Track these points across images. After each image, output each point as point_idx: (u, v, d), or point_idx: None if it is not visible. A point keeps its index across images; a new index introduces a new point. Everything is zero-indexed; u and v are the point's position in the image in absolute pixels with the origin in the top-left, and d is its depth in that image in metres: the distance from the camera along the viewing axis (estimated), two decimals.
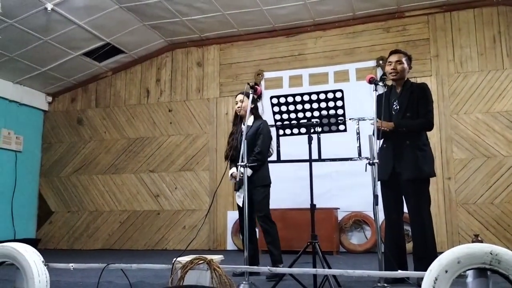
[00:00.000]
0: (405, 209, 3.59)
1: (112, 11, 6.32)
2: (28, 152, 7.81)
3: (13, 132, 7.49)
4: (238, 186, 4.16)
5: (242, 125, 4.20)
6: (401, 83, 3.61)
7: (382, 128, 3.36)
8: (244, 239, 3.49)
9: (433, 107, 3.59)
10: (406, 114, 3.49)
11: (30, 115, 7.95)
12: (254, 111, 4.27)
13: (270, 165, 4.26)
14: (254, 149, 4.05)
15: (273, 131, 3.85)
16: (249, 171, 3.95)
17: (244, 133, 3.54)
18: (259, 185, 4.06)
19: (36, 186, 8.03)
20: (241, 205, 4.10)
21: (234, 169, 4.19)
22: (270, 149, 4.25)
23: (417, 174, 3.41)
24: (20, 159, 7.62)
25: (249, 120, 4.17)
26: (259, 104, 6.78)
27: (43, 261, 2.50)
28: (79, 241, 7.67)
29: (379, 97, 3.52)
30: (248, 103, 4.05)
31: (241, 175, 3.85)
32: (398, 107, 3.54)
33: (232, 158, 4.21)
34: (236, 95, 4.41)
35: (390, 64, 3.59)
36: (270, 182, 4.22)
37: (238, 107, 4.26)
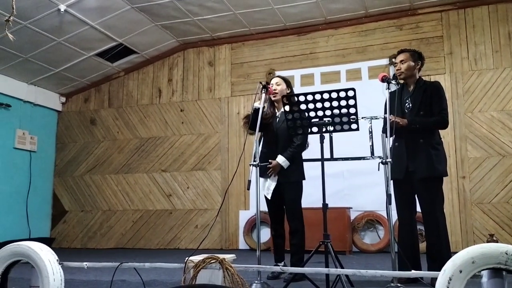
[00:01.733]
0: (418, 209, 3.56)
1: (124, 11, 6.36)
2: (42, 152, 7.90)
3: (27, 132, 7.59)
4: (265, 174, 3.81)
5: (276, 110, 3.95)
6: (413, 81, 3.59)
7: (396, 120, 3.33)
8: (258, 238, 3.48)
9: (447, 105, 3.56)
10: (420, 113, 3.47)
11: (44, 115, 8.05)
12: None
13: None
14: (293, 140, 3.77)
15: None
16: (285, 163, 3.75)
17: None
18: (293, 180, 3.81)
19: (50, 186, 8.12)
20: (269, 198, 3.87)
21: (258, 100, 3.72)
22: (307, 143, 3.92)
23: (431, 173, 3.38)
24: (35, 159, 7.72)
25: (286, 107, 3.59)
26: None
27: (57, 260, 2.53)
28: (92, 240, 7.74)
29: (391, 94, 3.50)
30: (283, 88, 3.87)
31: (276, 163, 3.72)
32: (410, 105, 3.51)
33: (269, 139, 3.89)
34: (272, 78, 4.09)
35: (396, 65, 3.61)
36: (304, 179, 3.92)
37: (274, 91, 3.87)
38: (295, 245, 3.81)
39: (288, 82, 4.02)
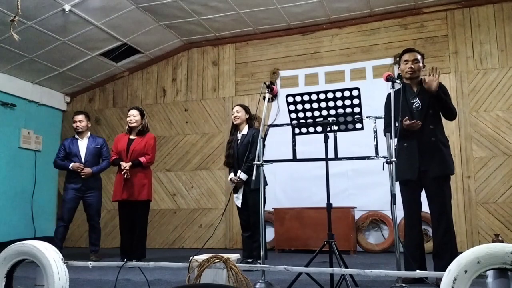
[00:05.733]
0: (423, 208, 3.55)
1: (128, 11, 6.37)
2: (47, 152, 7.93)
3: (32, 132, 7.62)
4: (236, 189, 4.62)
5: (238, 134, 4.75)
6: (416, 82, 3.61)
7: (417, 123, 3.34)
8: (261, 238, 3.49)
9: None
10: (429, 111, 3.48)
11: (49, 115, 8.08)
12: (249, 121, 4.76)
13: (285, 164, 4.72)
14: (248, 156, 4.38)
15: (289, 130, 3.85)
16: (244, 176, 4.49)
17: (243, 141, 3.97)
18: (253, 189, 4.19)
19: (55, 185, 8.15)
20: (239, 206, 4.66)
21: (232, 174, 4.68)
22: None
23: (445, 171, 3.41)
24: (40, 159, 7.75)
25: (244, 130, 4.71)
26: (274, 103, 6.95)
27: (62, 259, 2.54)
28: None
29: (389, 97, 3.50)
30: (243, 114, 4.69)
31: (238, 179, 4.53)
32: (419, 104, 3.50)
33: (230, 165, 4.73)
34: (233, 107, 4.85)
35: (407, 63, 3.57)
36: (266, 185, 4.45)
37: (235, 117, 4.71)
38: (256, 243, 4.50)
39: (247, 109, 4.80)
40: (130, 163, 5.07)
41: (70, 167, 5.48)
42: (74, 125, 5.60)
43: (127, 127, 5.33)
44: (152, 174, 7.56)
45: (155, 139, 5.43)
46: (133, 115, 5.25)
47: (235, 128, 4.80)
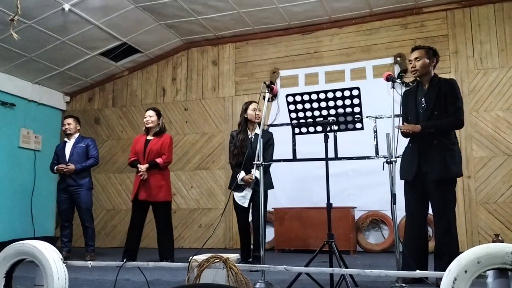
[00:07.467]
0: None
1: (128, 10, 6.36)
2: (46, 151, 7.90)
3: (32, 132, 7.61)
4: (241, 188, 4.50)
5: (249, 133, 4.65)
6: (428, 79, 3.50)
7: (407, 131, 3.33)
8: (260, 238, 3.49)
9: (463, 104, 3.47)
10: (434, 113, 3.39)
11: (48, 114, 8.07)
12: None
13: (285, 164, 4.72)
14: (264, 156, 4.24)
15: (289, 129, 3.85)
16: (258, 175, 4.28)
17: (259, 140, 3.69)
18: (265, 189, 4.22)
19: (54, 185, 8.10)
20: (246, 206, 4.53)
21: (243, 173, 4.50)
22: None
23: (445, 174, 3.33)
24: (39, 158, 7.74)
25: (257, 129, 4.61)
26: (274, 102, 6.92)
27: (61, 259, 2.53)
28: (96, 239, 7.65)
29: (404, 95, 3.47)
30: (261, 113, 4.48)
31: (254, 179, 4.33)
32: (425, 104, 3.44)
33: (241, 163, 4.49)
34: (251, 102, 4.70)
35: (410, 62, 3.55)
36: (273, 187, 4.63)
37: (257, 115, 4.57)
38: (257, 243, 4.42)
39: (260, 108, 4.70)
40: (147, 165, 5.07)
41: (54, 169, 5.63)
42: (63, 127, 5.82)
43: (144, 128, 5.37)
44: None
45: (171, 139, 5.38)
46: (149, 116, 5.28)
47: (247, 125, 4.68)
